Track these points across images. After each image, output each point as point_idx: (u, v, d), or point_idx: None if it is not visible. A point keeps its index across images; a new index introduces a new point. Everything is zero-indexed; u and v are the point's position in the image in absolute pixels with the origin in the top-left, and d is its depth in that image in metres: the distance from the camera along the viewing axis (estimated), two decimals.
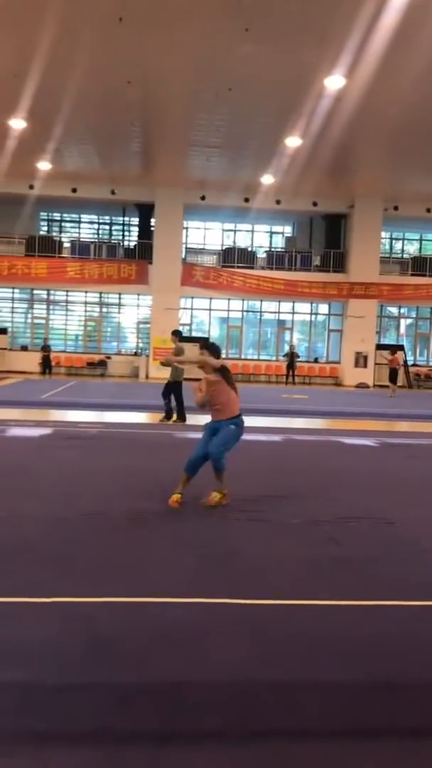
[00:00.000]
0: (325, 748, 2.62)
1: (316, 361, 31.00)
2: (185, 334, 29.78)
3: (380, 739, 2.71)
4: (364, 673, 3.18)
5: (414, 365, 30.94)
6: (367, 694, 3.02)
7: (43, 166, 24.60)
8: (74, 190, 27.36)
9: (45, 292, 30.24)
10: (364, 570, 4.65)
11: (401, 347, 30.55)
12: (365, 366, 29.38)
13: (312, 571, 4.59)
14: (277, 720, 2.80)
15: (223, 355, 27.47)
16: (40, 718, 2.72)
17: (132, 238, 31.55)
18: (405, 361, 29.63)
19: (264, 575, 4.48)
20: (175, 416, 12.48)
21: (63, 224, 32.96)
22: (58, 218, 32.73)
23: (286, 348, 29.53)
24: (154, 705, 2.86)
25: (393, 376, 23.32)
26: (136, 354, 29.96)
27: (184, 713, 2.81)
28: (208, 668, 3.17)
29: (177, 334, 12.96)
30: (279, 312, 31.30)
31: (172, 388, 12.42)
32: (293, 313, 31.26)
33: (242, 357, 30.84)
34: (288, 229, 32.94)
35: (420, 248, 33.72)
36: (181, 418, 12.43)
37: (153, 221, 29.19)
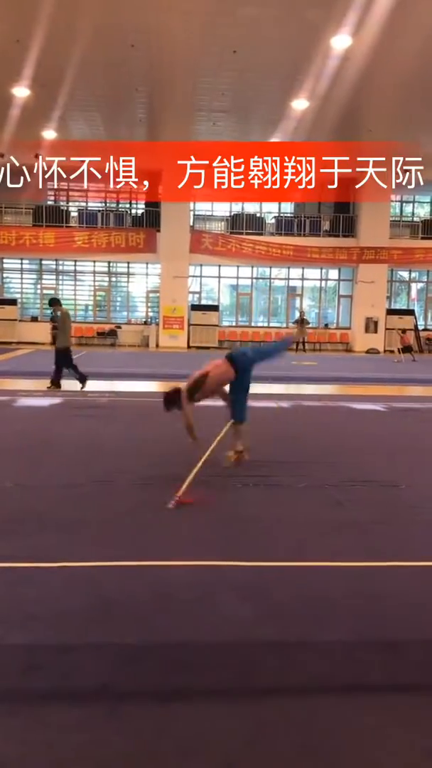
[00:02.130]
0: (326, 704, 2.68)
1: (326, 327, 30.87)
2: (195, 302, 29.86)
3: (380, 695, 2.78)
4: (365, 632, 3.25)
5: (425, 329, 30.75)
6: (368, 653, 3.08)
7: (49, 134, 24.36)
8: None
9: (53, 262, 30.17)
10: (369, 532, 4.71)
11: (411, 312, 30.38)
12: (375, 331, 29.22)
13: (317, 533, 4.65)
14: (279, 678, 2.87)
15: (233, 323, 27.37)
16: (42, 678, 2.81)
17: (139, 206, 31.31)
18: (416, 326, 29.45)
19: (269, 538, 4.55)
20: (51, 381, 12.54)
21: (70, 193, 32.71)
22: (65, 187, 32.47)
23: (297, 314, 29.40)
24: (158, 664, 2.94)
25: (406, 351, 23.52)
26: (146, 323, 29.95)
27: (187, 672, 2.88)
28: (212, 629, 3.24)
29: (55, 303, 13.07)
30: (289, 278, 31.11)
31: (61, 355, 12.57)
32: (303, 279, 31.05)
33: (252, 324, 30.76)
34: None
35: (431, 211, 33.25)
36: (56, 384, 12.48)
37: (160, 188, 28.91)
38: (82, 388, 12.32)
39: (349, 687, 2.82)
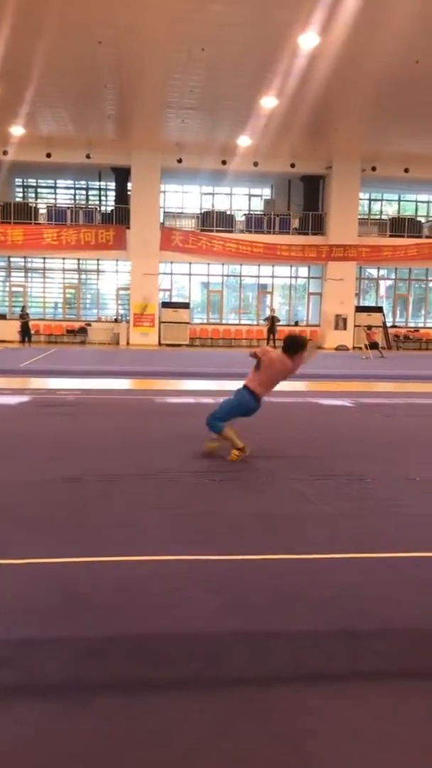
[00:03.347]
0: (291, 693, 2.73)
1: (296, 324, 31.04)
2: (166, 299, 29.82)
3: (344, 683, 2.83)
4: (330, 623, 3.30)
5: (393, 326, 31.12)
6: (333, 642, 3.14)
7: (16, 131, 24.14)
8: (49, 155, 26.86)
9: (22, 259, 29.91)
10: (335, 525, 4.78)
11: (380, 309, 30.72)
12: (345, 328, 29.49)
13: (283, 527, 4.71)
14: (246, 668, 2.91)
15: (204, 320, 27.48)
16: (7, 673, 2.81)
17: (109, 203, 31.17)
18: (384, 323, 29.79)
19: (237, 533, 4.59)
20: None
21: (38, 190, 32.47)
22: (34, 184, 32.23)
23: (267, 312, 29.54)
24: (125, 656, 2.96)
25: (373, 347, 23.74)
26: (116, 320, 29.85)
27: (154, 664, 2.91)
28: (180, 621, 3.27)
29: None
30: (259, 276, 31.23)
31: None
32: (273, 276, 31.20)
33: (223, 322, 30.83)
34: (266, 192, 32.69)
35: (398, 209, 33.64)
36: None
37: (130, 185, 28.84)
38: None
39: (314, 676, 2.87)
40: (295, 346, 6.74)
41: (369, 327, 25.01)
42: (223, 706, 2.62)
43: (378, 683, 2.84)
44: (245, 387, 6.76)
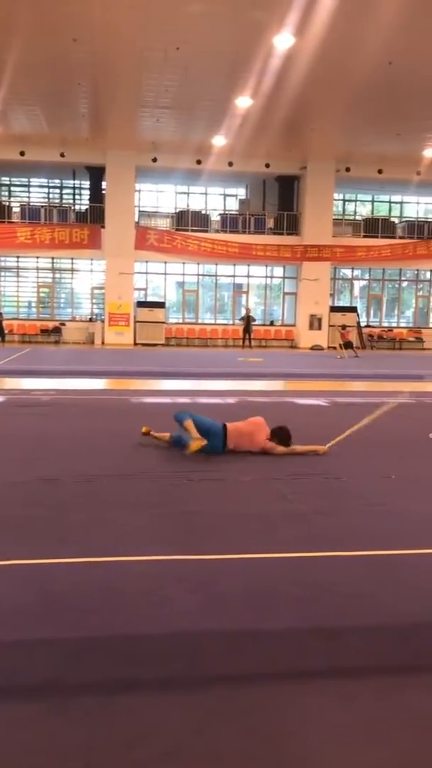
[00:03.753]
0: (271, 690, 2.74)
1: (271, 324, 31.18)
2: (141, 299, 29.75)
3: (323, 680, 2.86)
4: (308, 620, 3.33)
5: (367, 326, 31.39)
6: (311, 639, 3.17)
7: None
8: (22, 153, 26.67)
9: None
10: (312, 523, 4.81)
11: (354, 309, 30.96)
12: (320, 328, 29.68)
13: (262, 526, 4.73)
14: (226, 667, 2.93)
15: (180, 319, 27.53)
16: None
17: (83, 202, 31.00)
18: (358, 323, 30.03)
19: (215, 532, 4.61)
20: None
21: (12, 188, 32.17)
22: (7, 182, 31.92)
23: (243, 312, 29.61)
24: (104, 657, 2.96)
25: (348, 346, 23.94)
26: (91, 320, 29.70)
27: (135, 664, 2.91)
28: (159, 621, 3.27)
29: None
30: (235, 276, 31.30)
31: None
32: (248, 276, 31.29)
33: (199, 321, 30.85)
34: (241, 192, 32.76)
35: (372, 210, 33.92)
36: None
37: (104, 184, 28.71)
38: None
39: (293, 673, 2.90)
40: (283, 438, 6.94)
41: (343, 326, 25.17)
42: (203, 704, 2.63)
43: (356, 679, 2.87)
44: (223, 425, 6.87)
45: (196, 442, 6.53)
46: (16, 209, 29.60)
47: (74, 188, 31.55)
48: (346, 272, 32.86)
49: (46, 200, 31.60)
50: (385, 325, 32.47)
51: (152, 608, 3.40)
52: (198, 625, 3.24)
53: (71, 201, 31.46)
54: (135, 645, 3.06)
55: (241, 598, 3.54)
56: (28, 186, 32.06)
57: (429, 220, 32.89)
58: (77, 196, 31.64)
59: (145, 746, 2.37)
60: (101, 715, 2.54)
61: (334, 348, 26.24)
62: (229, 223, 30.06)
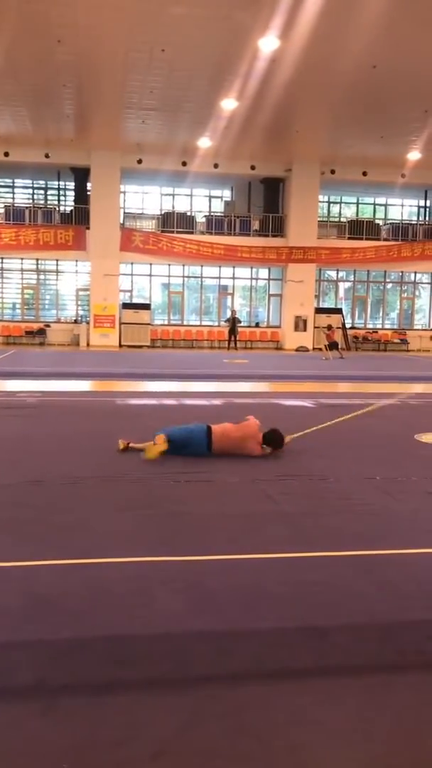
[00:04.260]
0: (258, 690, 2.76)
1: (257, 325, 31.24)
2: (126, 300, 29.68)
3: (309, 678, 2.88)
4: (295, 619, 3.35)
5: (352, 328, 31.53)
6: (298, 638, 3.18)
7: None
8: (6, 154, 26.56)
9: None
10: (298, 524, 4.83)
11: (339, 311, 31.09)
12: (305, 330, 29.77)
13: (248, 527, 4.75)
14: (213, 667, 2.94)
15: (165, 321, 27.44)
16: None
17: (68, 203, 30.90)
18: (343, 324, 30.16)
19: (202, 533, 4.61)
20: None
21: None
22: None
23: (228, 313, 29.65)
24: (91, 658, 2.96)
25: (333, 347, 23.97)
26: (76, 322, 29.61)
27: (120, 664, 2.91)
28: (146, 622, 3.28)
29: None
30: (220, 277, 31.32)
31: None
32: (234, 278, 31.33)
33: (184, 323, 30.84)
34: (227, 194, 32.79)
35: (357, 212, 34.08)
36: None
37: (89, 185, 28.63)
38: None
39: (280, 672, 2.92)
40: (277, 442, 6.92)
41: (329, 327, 25.21)
42: (190, 704, 2.64)
43: (343, 678, 2.89)
44: (208, 427, 6.81)
45: (153, 448, 6.49)
46: (0, 210, 29.44)
47: (59, 189, 31.43)
48: (331, 274, 32.99)
49: (31, 201, 31.45)
50: (370, 326, 32.62)
51: (139, 609, 3.40)
52: (185, 626, 3.25)
53: (56, 202, 31.34)
54: (122, 646, 3.07)
55: (227, 599, 3.55)
56: (13, 187, 31.89)
57: (413, 222, 33.09)
58: (62, 198, 31.53)
59: (133, 746, 2.37)
60: (88, 715, 2.55)
61: (320, 349, 26.33)
62: (215, 224, 30.10)
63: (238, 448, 6.79)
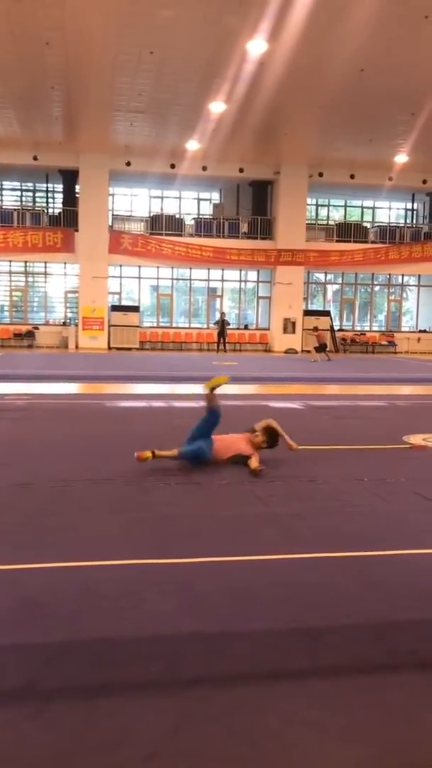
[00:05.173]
0: (250, 691, 2.75)
1: (246, 328, 31.27)
2: (115, 302, 29.64)
3: (301, 679, 2.87)
4: (286, 621, 3.35)
5: (340, 330, 31.63)
6: (290, 640, 3.18)
7: None
8: None
9: None
10: (288, 525, 4.84)
11: (327, 313, 31.18)
12: (293, 332, 29.85)
13: (238, 529, 4.74)
14: (204, 668, 2.93)
15: (154, 323, 27.33)
16: None
17: (56, 206, 30.83)
18: (332, 327, 30.25)
19: (192, 535, 4.60)
20: None
21: None
22: None
23: (217, 315, 29.67)
24: (82, 661, 2.95)
25: (322, 349, 24.00)
26: (64, 324, 29.53)
27: (111, 667, 2.90)
28: (137, 624, 3.27)
29: None
30: (209, 279, 31.35)
31: None
32: (223, 280, 31.36)
33: (173, 325, 30.83)
34: (215, 196, 32.83)
35: (345, 214, 34.22)
36: None
37: (78, 187, 28.58)
38: None
39: (272, 673, 2.91)
40: (273, 437, 6.82)
41: (315, 328, 25.14)
42: (182, 706, 2.63)
43: (336, 678, 2.89)
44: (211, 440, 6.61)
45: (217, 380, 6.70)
46: None
47: (47, 191, 31.36)
48: (320, 276, 33.10)
49: (19, 203, 31.36)
50: (358, 329, 32.75)
51: (130, 611, 3.39)
52: (176, 628, 3.24)
53: (44, 204, 31.27)
54: (113, 648, 3.05)
55: (218, 600, 3.55)
56: (1, 189, 31.77)
57: (401, 225, 33.27)
58: (50, 200, 31.45)
59: (125, 749, 2.36)
60: (79, 718, 2.53)
61: (309, 351, 26.36)
62: (203, 227, 30.13)
63: (231, 451, 6.70)
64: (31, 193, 31.81)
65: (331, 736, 2.48)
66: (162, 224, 29.74)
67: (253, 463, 6.37)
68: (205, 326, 30.90)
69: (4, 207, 30.21)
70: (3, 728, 2.47)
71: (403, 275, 32.77)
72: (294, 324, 29.84)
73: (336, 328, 31.08)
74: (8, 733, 2.44)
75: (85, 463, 6.64)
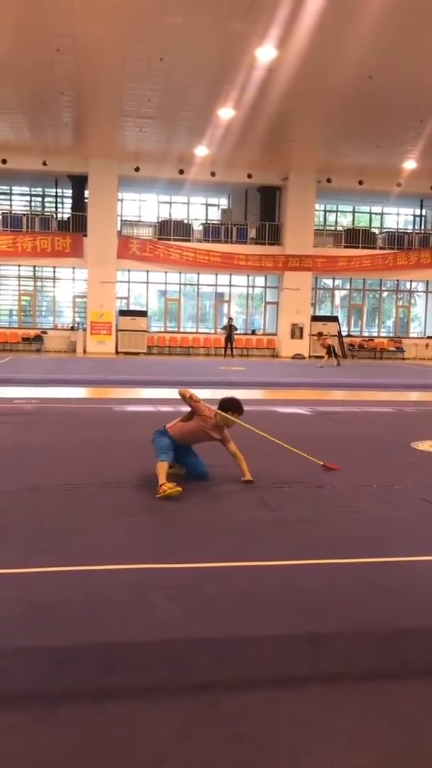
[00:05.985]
0: (256, 697, 2.76)
1: (253, 333, 31.28)
2: (123, 307, 29.72)
3: (307, 686, 2.87)
4: (292, 626, 3.35)
5: (348, 336, 31.60)
6: (296, 645, 3.18)
7: None
8: (4, 161, 26.65)
9: None
10: (294, 531, 4.84)
11: (335, 318, 31.15)
12: (301, 337, 29.83)
13: (245, 534, 4.75)
14: (211, 674, 2.93)
15: (162, 328, 27.39)
16: None
17: (65, 211, 30.96)
18: (339, 332, 30.21)
19: (200, 540, 4.61)
20: None
21: None
22: None
23: (225, 321, 29.69)
24: (89, 665, 2.95)
25: (330, 353, 23.93)
26: (72, 328, 29.62)
27: (119, 672, 2.91)
28: (144, 629, 3.27)
29: None
30: (216, 285, 31.38)
31: None
32: (230, 285, 31.39)
33: (181, 330, 30.87)
34: (223, 202, 32.90)
35: (353, 220, 34.21)
36: None
37: (87, 193, 28.70)
38: None
39: (278, 679, 2.91)
40: (234, 407, 6.08)
41: (319, 334, 25.04)
42: (189, 711, 2.63)
43: (341, 684, 2.89)
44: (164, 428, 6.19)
45: (163, 489, 5.54)
46: None
47: (56, 197, 31.49)
48: (327, 282, 33.08)
49: (28, 209, 31.50)
50: (366, 334, 32.70)
51: (136, 616, 3.40)
52: (183, 633, 3.24)
53: (53, 209, 31.40)
54: (120, 653, 3.06)
55: (225, 605, 3.55)
56: (10, 194, 31.94)
57: (409, 231, 33.24)
58: (59, 205, 31.59)
59: (133, 754, 2.37)
60: (87, 723, 2.54)
61: (317, 357, 26.29)
62: (212, 232, 30.18)
63: (198, 434, 6.20)
64: (40, 199, 31.96)
65: (338, 741, 2.48)
66: (170, 229, 29.81)
67: (231, 448, 6.16)
68: (212, 331, 30.93)
69: (13, 212, 30.36)
70: (11, 732, 2.48)
71: (411, 281, 32.72)
72: (302, 329, 29.83)
73: (344, 333, 31.04)
74: (17, 737, 2.45)
75: (93, 467, 6.66)
